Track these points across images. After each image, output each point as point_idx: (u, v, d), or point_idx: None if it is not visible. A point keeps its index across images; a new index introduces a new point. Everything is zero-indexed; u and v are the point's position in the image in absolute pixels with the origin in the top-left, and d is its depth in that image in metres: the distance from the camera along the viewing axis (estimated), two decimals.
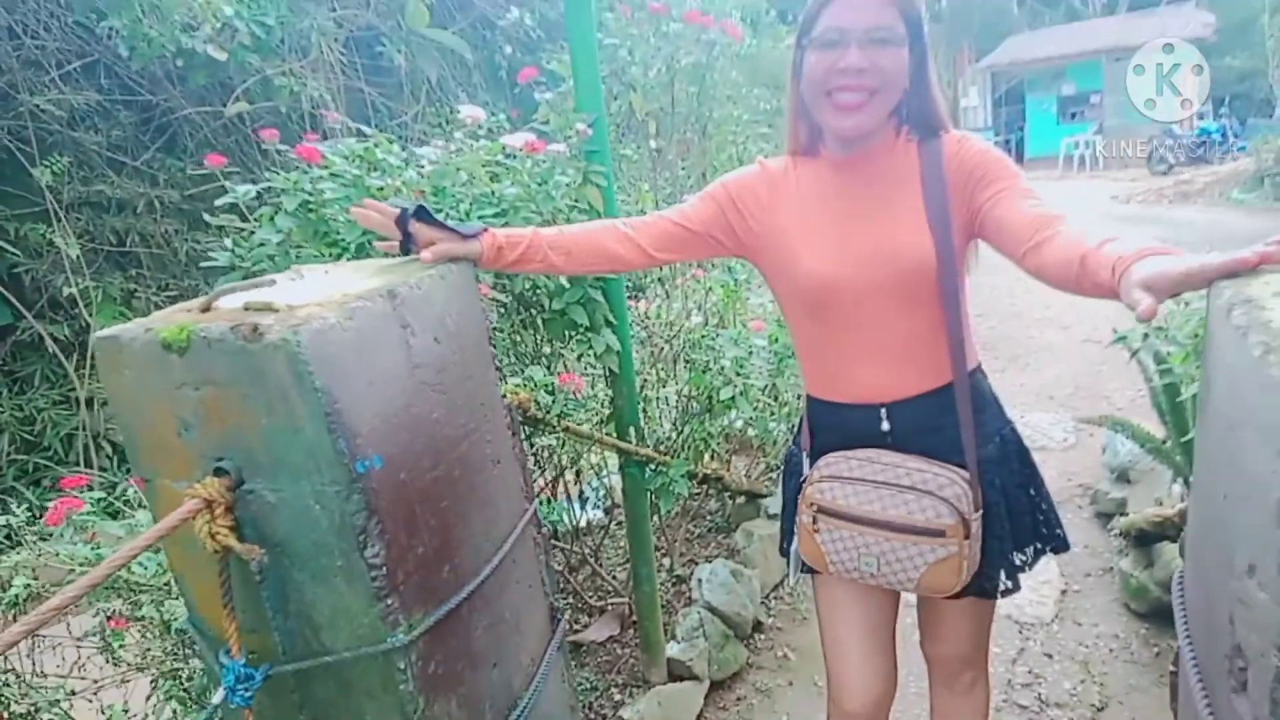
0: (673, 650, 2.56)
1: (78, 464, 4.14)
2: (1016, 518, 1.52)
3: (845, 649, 1.64)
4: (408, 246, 1.54)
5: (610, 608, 2.81)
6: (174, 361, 1.23)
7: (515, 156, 2.24)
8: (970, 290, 1.52)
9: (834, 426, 1.56)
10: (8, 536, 2.07)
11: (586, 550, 2.85)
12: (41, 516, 2.06)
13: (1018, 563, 1.54)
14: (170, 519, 1.20)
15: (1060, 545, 1.59)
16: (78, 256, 4.02)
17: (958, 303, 1.45)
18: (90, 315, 4.19)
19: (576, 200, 2.27)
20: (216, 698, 1.25)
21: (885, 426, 1.49)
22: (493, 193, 2.14)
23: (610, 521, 3.13)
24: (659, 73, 2.88)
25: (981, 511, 1.46)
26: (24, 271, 4.27)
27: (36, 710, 1.86)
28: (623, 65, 2.84)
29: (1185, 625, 1.05)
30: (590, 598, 2.83)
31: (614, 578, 2.90)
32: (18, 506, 2.13)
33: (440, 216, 1.97)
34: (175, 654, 1.99)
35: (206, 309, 1.34)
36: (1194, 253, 0.98)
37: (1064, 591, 2.98)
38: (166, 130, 4.67)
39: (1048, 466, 3.93)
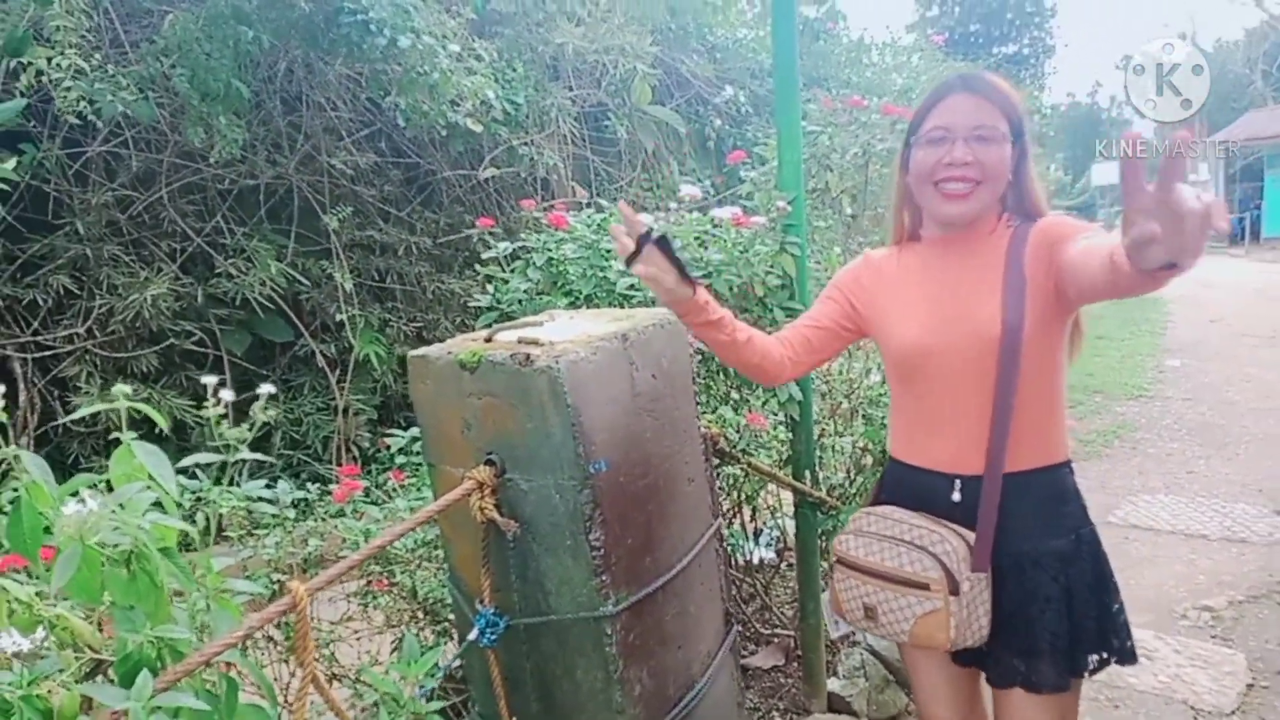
0: (833, 685, 2.75)
1: (331, 462, 4.88)
2: (1078, 620, 1.54)
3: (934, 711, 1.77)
4: (634, 260, 1.52)
5: (777, 639, 3.04)
6: (465, 377, 1.66)
7: (722, 226, 2.60)
8: (1065, 378, 1.59)
9: (907, 488, 1.65)
10: (305, 509, 2.60)
11: (759, 585, 3.11)
12: (322, 497, 2.61)
13: (1079, 664, 1.56)
14: (454, 493, 1.61)
15: (1126, 658, 1.59)
16: (350, 289, 4.82)
17: (1011, 386, 1.49)
18: (353, 338, 4.98)
19: (773, 267, 2.59)
20: (471, 635, 1.65)
21: (957, 497, 1.57)
22: (702, 257, 2.50)
23: (781, 563, 3.37)
24: (854, 156, 3.19)
25: (985, 575, 1.51)
26: (305, 298, 5.14)
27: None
28: (823, 150, 3.17)
29: None
30: (759, 628, 3.08)
31: (782, 613, 3.14)
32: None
33: None
34: (417, 618, 2.44)
35: (489, 340, 1.75)
36: None
37: (1250, 685, 2.89)
38: (427, 188, 5.50)
39: (1247, 560, 3.81)
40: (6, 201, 3.86)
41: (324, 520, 2.51)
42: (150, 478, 1.20)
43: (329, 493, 2.57)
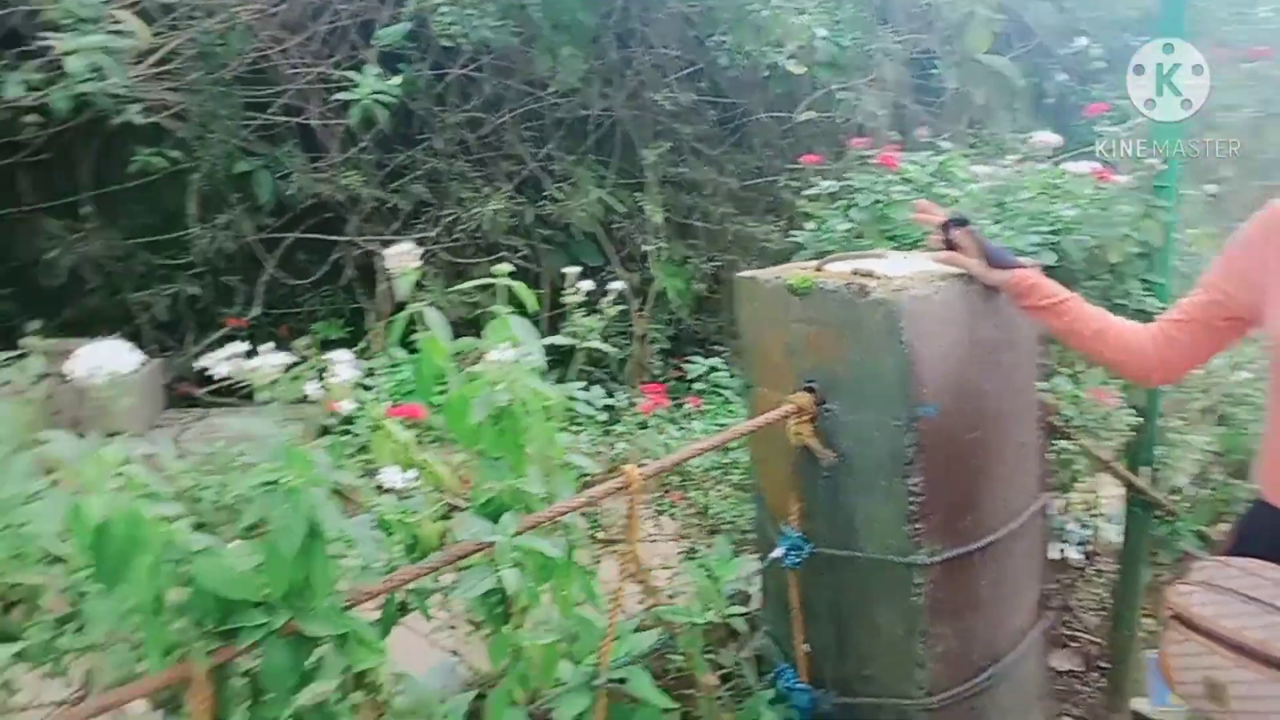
0: (1141, 706, 2.45)
1: (625, 384, 5.15)
2: None
3: None
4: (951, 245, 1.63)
5: (1077, 643, 2.80)
6: (794, 302, 1.63)
7: (1080, 179, 2.34)
8: None
9: (1277, 543, 1.30)
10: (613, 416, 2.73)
11: (1062, 584, 2.85)
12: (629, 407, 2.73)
13: None
14: (773, 414, 1.61)
15: None
16: (659, 223, 5.00)
17: None
18: (653, 271, 5.17)
19: (1133, 231, 2.29)
20: (775, 554, 1.64)
21: None
22: (1051, 212, 2.27)
23: (1088, 567, 3.06)
24: (1246, 116, 2.72)
25: None
26: (616, 228, 5.40)
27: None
28: (1208, 106, 2.72)
29: None
30: (1058, 629, 2.84)
31: (1084, 619, 2.87)
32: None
33: (998, 228, 2.18)
34: (704, 534, 2.51)
35: (819, 269, 1.71)
36: None
37: None
38: (740, 129, 5.51)
39: None
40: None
41: (629, 431, 2.64)
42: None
43: (634, 404, 2.70)
